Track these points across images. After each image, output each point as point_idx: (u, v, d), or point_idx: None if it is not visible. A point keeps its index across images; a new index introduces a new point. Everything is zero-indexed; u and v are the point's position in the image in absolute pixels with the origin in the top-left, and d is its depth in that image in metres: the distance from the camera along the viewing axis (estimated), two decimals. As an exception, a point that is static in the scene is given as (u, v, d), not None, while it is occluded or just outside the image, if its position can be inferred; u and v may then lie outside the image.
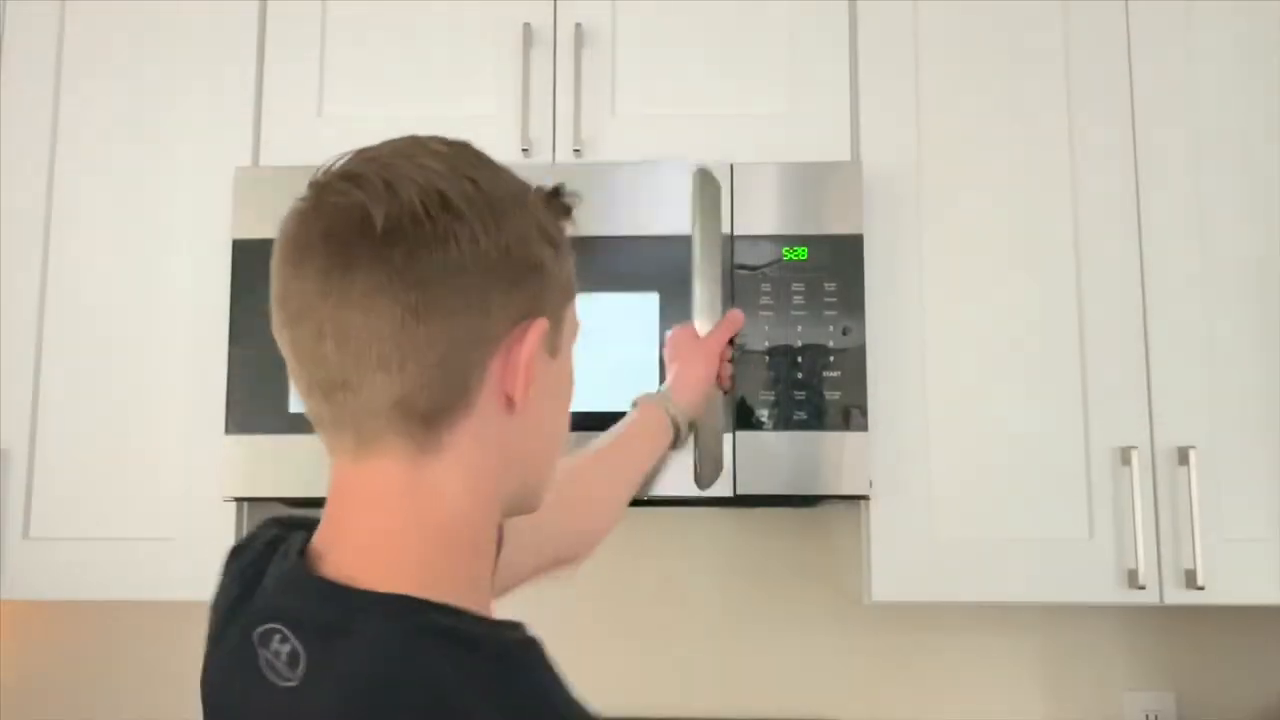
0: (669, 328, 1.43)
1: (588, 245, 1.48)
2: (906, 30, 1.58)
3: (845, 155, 1.54)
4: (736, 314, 1.41)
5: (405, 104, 1.59)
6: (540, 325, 0.71)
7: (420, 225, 0.66)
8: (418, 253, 0.66)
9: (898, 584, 1.48)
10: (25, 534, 1.52)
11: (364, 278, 0.66)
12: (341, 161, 0.72)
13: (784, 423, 1.44)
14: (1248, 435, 1.50)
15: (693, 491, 1.40)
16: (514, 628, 0.69)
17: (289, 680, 0.66)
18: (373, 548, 0.69)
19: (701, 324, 1.40)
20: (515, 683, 0.65)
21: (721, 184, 1.46)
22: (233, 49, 1.60)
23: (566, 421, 0.81)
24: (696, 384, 1.35)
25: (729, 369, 1.41)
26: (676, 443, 1.33)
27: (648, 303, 1.45)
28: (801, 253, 1.47)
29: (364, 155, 0.71)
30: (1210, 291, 1.52)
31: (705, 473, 1.38)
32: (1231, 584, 1.45)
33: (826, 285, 1.46)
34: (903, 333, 1.52)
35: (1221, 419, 1.50)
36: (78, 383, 1.54)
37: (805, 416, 1.44)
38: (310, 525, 0.75)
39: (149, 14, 1.62)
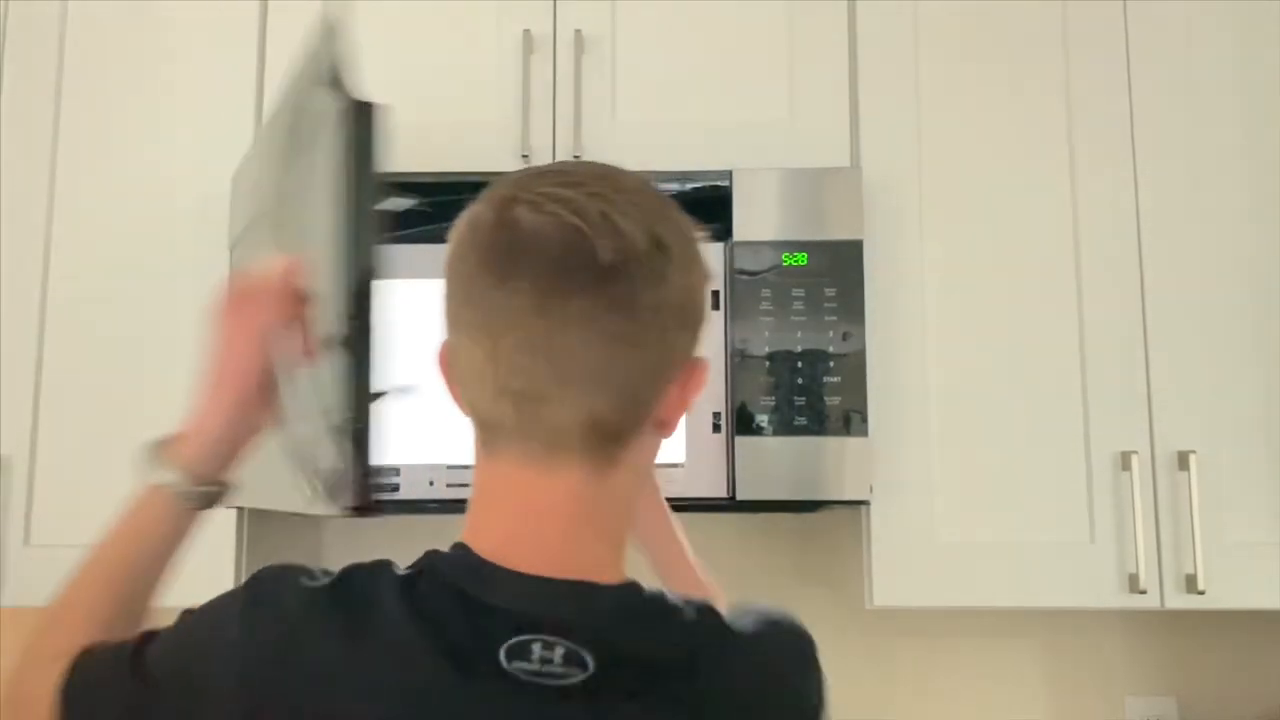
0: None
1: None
2: (906, 36, 1.59)
3: (845, 161, 1.55)
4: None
5: (404, 111, 1.57)
6: (705, 368, 0.77)
7: (639, 262, 0.71)
8: (635, 288, 0.71)
9: (899, 589, 1.48)
10: (26, 541, 1.52)
11: (584, 304, 0.70)
12: (535, 175, 0.74)
13: (784, 428, 1.44)
14: (1248, 440, 1.50)
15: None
16: None
17: (573, 677, 0.68)
18: (567, 551, 0.73)
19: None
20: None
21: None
22: (233, 54, 1.60)
23: None
24: (222, 413, 0.91)
25: (302, 333, 0.89)
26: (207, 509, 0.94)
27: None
28: (802, 258, 1.47)
29: (563, 176, 0.74)
30: (1210, 296, 1.53)
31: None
32: (1232, 588, 1.45)
33: (827, 291, 1.46)
34: (903, 338, 1.52)
35: (1221, 423, 1.50)
36: (78, 389, 1.54)
37: (806, 422, 1.44)
38: (313, 573, 0.74)
39: (149, 18, 1.62)
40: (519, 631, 0.69)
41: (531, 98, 1.56)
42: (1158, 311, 1.52)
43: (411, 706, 0.67)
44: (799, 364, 1.45)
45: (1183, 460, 1.47)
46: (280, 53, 1.60)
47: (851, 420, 1.44)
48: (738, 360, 1.44)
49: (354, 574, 0.73)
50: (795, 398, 1.45)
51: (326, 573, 0.74)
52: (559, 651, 0.68)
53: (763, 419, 1.44)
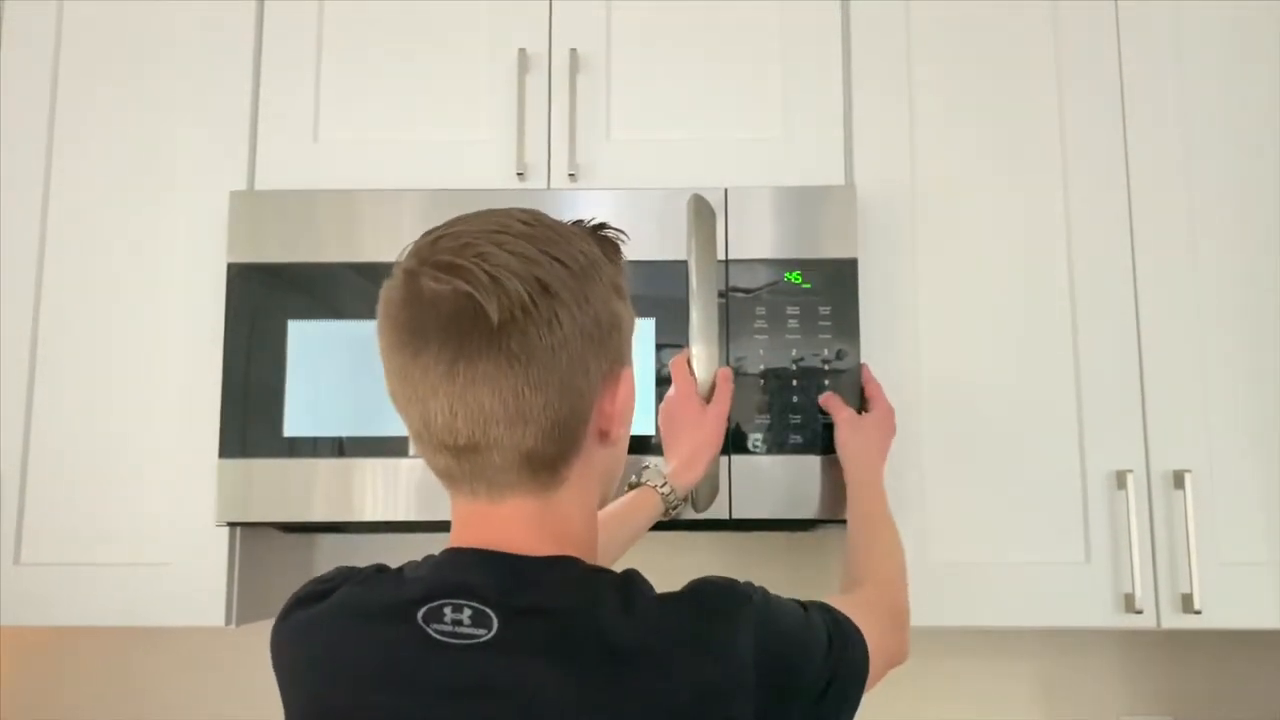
0: (665, 353, 1.43)
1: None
2: (900, 54, 1.59)
3: (840, 179, 1.55)
4: (728, 373, 1.38)
5: (401, 129, 1.59)
6: (629, 376, 0.87)
7: (529, 314, 0.78)
8: (528, 336, 0.78)
9: (894, 608, 1.47)
10: (17, 559, 1.51)
11: (484, 362, 0.78)
12: (431, 242, 0.82)
13: (779, 446, 1.44)
14: (1243, 459, 1.50)
15: (689, 514, 1.40)
16: None
17: (480, 636, 0.78)
18: (526, 544, 0.83)
19: (698, 349, 1.39)
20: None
21: (715, 209, 1.46)
22: (228, 73, 1.60)
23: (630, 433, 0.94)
24: (702, 462, 1.31)
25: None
26: (670, 513, 1.29)
27: (644, 328, 1.45)
28: (796, 276, 1.47)
29: (453, 241, 0.81)
30: (1205, 315, 1.53)
31: (702, 496, 1.38)
32: (1229, 608, 1.45)
33: (821, 309, 1.46)
34: (897, 356, 1.52)
35: (1217, 442, 1.50)
36: (71, 407, 1.54)
37: (801, 440, 1.44)
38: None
39: (143, 37, 1.62)
40: (429, 598, 0.80)
41: (527, 116, 1.56)
42: (1152, 329, 1.52)
43: (366, 666, 0.81)
44: (794, 382, 1.45)
45: (1178, 479, 1.47)
46: (275, 77, 1.60)
47: (846, 439, 1.43)
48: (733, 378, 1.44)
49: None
50: (790, 416, 1.44)
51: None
52: (466, 613, 0.78)
53: (757, 437, 1.44)
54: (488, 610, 0.78)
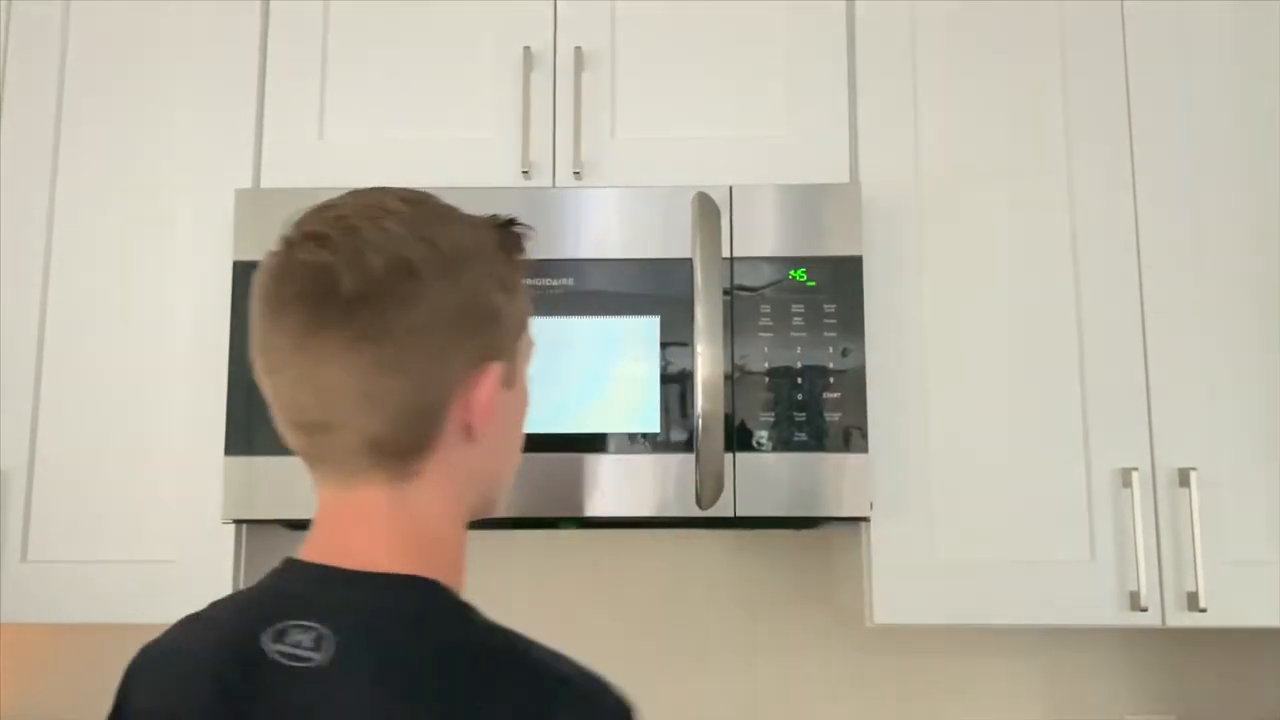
0: (670, 351, 1.44)
1: (587, 269, 1.49)
2: (904, 52, 1.59)
3: (844, 177, 1.55)
4: None
5: (405, 127, 1.59)
6: (495, 372, 0.79)
7: (385, 292, 0.74)
8: (384, 315, 0.74)
9: (899, 607, 1.48)
10: (24, 557, 1.52)
11: (335, 337, 0.74)
12: (313, 213, 0.78)
13: (784, 444, 1.44)
14: (1248, 457, 1.50)
15: (693, 512, 1.40)
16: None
17: (311, 660, 0.72)
18: (368, 550, 0.77)
19: (702, 348, 1.39)
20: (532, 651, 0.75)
21: (720, 207, 1.46)
22: (234, 72, 1.61)
23: (522, 437, 0.88)
24: None
25: None
26: None
27: (649, 326, 1.45)
28: (801, 274, 1.47)
29: (332, 212, 0.78)
30: (1210, 313, 1.53)
31: (706, 493, 1.38)
32: (1234, 606, 1.45)
33: (826, 307, 1.46)
34: (902, 354, 1.52)
35: (1222, 441, 1.50)
36: (77, 405, 1.54)
37: (805, 438, 1.44)
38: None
39: (149, 37, 1.63)
40: (277, 618, 0.74)
41: (532, 114, 1.56)
42: (1158, 327, 1.52)
43: (204, 692, 0.75)
44: (798, 380, 1.45)
45: (1184, 477, 1.47)
46: (281, 75, 1.61)
47: (851, 437, 1.44)
48: (737, 376, 1.44)
49: None
50: (795, 414, 1.44)
51: None
52: (310, 635, 0.73)
53: (762, 435, 1.44)
54: (327, 633, 0.72)
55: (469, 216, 0.82)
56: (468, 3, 1.61)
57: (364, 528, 0.78)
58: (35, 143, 1.60)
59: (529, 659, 0.73)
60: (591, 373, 1.45)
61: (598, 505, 1.43)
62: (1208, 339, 1.52)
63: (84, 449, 1.53)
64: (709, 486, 1.38)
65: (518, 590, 1.78)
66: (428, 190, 0.78)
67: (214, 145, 1.59)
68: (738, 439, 1.44)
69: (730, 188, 1.49)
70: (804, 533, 1.78)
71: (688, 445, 1.43)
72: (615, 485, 1.43)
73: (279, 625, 0.74)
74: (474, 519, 0.85)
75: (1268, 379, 1.52)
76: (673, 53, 1.60)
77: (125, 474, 1.53)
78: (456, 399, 0.78)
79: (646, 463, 1.43)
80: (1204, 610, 1.43)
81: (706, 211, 1.44)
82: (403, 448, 0.77)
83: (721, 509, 1.41)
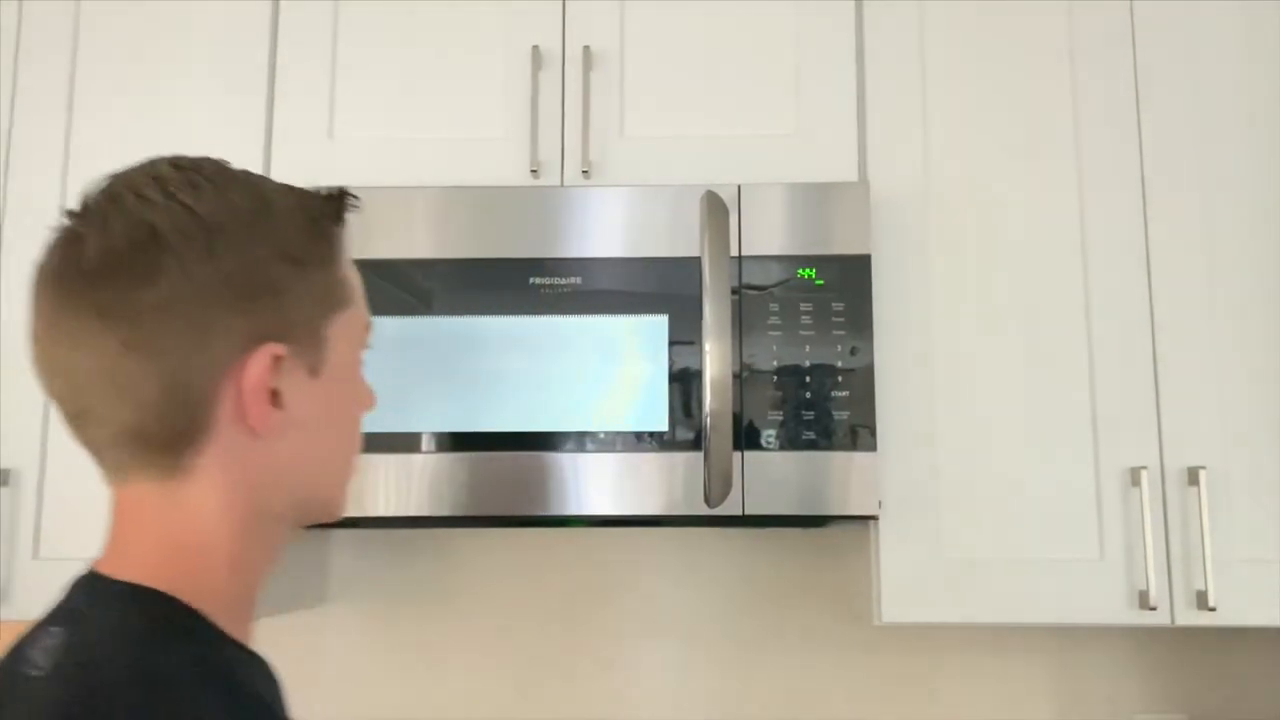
0: (678, 350, 1.44)
1: (595, 267, 1.49)
2: (913, 51, 1.59)
3: (853, 176, 1.55)
4: None
5: (414, 126, 1.60)
6: (265, 353, 0.69)
7: (125, 262, 0.66)
8: (124, 290, 0.66)
9: (907, 605, 1.48)
10: (35, 554, 1.52)
11: (76, 317, 0.67)
12: (91, 185, 0.71)
13: (792, 443, 1.44)
14: (1259, 455, 1.49)
15: (702, 511, 1.40)
16: (250, 653, 0.71)
17: (39, 669, 0.65)
18: (130, 555, 0.71)
19: (710, 346, 1.40)
20: (239, 692, 0.66)
21: (729, 206, 1.46)
22: (244, 71, 1.61)
23: (354, 433, 0.80)
24: None
25: None
26: None
27: (657, 325, 1.46)
28: (809, 273, 1.47)
29: (106, 183, 0.70)
30: (1220, 311, 1.52)
31: (714, 492, 1.38)
32: (1243, 605, 1.45)
33: (834, 305, 1.46)
34: (911, 352, 1.52)
35: (1231, 439, 1.49)
36: (88, 403, 1.55)
37: (814, 436, 1.44)
38: None
39: (159, 37, 1.63)
40: (39, 624, 0.69)
41: (540, 113, 1.57)
42: (1167, 325, 1.52)
43: None
44: (807, 379, 1.45)
45: (1193, 476, 1.47)
46: (291, 74, 1.61)
47: (859, 435, 1.44)
48: (746, 375, 1.44)
49: None
50: (803, 412, 1.44)
51: None
52: (44, 644, 0.67)
53: (771, 434, 1.44)
54: (56, 644, 0.66)
55: (270, 183, 0.74)
56: (476, 2, 1.62)
57: (131, 528, 0.72)
58: (45, 143, 1.61)
59: (138, 710, 0.61)
60: (599, 372, 1.45)
61: (606, 504, 1.43)
62: (1217, 339, 1.52)
63: (95, 447, 1.54)
64: (717, 485, 1.38)
65: (525, 589, 1.78)
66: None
67: (224, 144, 1.59)
68: (746, 438, 1.44)
69: (739, 186, 1.49)
70: (812, 531, 1.78)
71: (696, 444, 1.43)
72: (623, 484, 1.43)
73: (34, 632, 0.69)
74: (305, 524, 0.78)
75: (1277, 377, 1.51)
76: (681, 52, 1.60)
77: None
78: (225, 386, 0.68)
79: (654, 462, 1.43)
80: (1213, 609, 1.43)
81: (715, 210, 1.44)
82: (164, 441, 0.69)
83: (730, 508, 1.41)
